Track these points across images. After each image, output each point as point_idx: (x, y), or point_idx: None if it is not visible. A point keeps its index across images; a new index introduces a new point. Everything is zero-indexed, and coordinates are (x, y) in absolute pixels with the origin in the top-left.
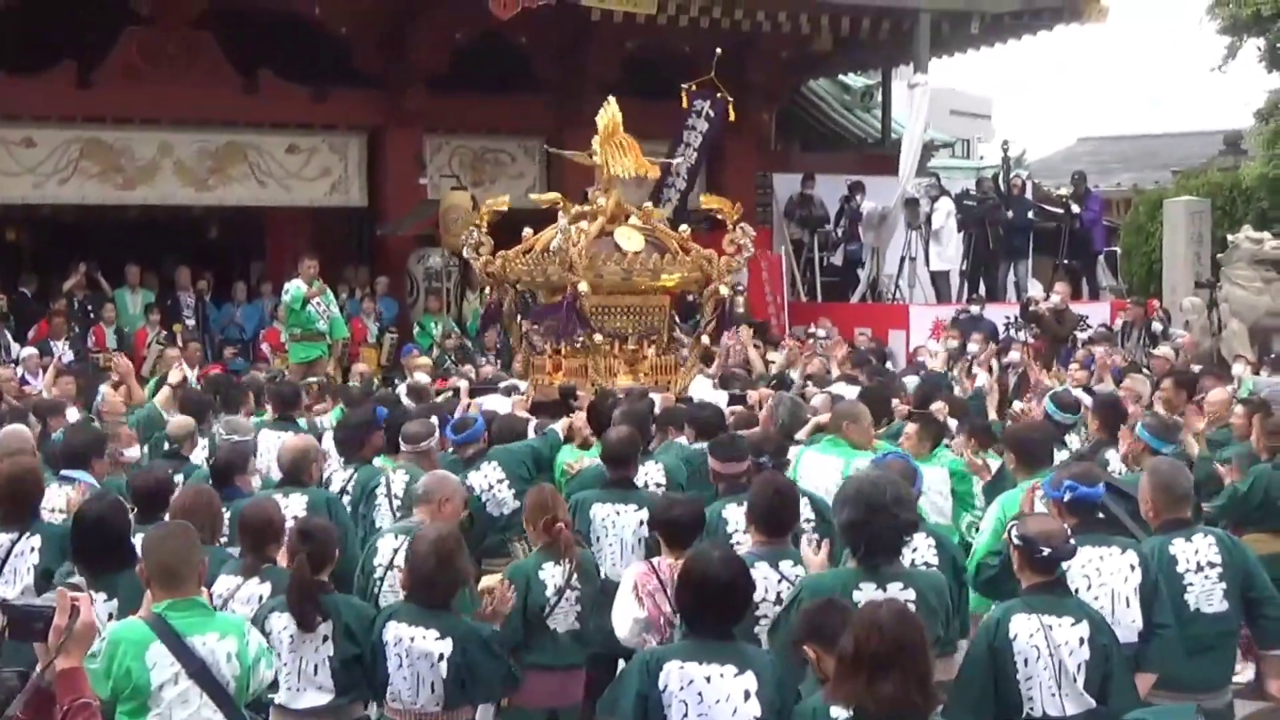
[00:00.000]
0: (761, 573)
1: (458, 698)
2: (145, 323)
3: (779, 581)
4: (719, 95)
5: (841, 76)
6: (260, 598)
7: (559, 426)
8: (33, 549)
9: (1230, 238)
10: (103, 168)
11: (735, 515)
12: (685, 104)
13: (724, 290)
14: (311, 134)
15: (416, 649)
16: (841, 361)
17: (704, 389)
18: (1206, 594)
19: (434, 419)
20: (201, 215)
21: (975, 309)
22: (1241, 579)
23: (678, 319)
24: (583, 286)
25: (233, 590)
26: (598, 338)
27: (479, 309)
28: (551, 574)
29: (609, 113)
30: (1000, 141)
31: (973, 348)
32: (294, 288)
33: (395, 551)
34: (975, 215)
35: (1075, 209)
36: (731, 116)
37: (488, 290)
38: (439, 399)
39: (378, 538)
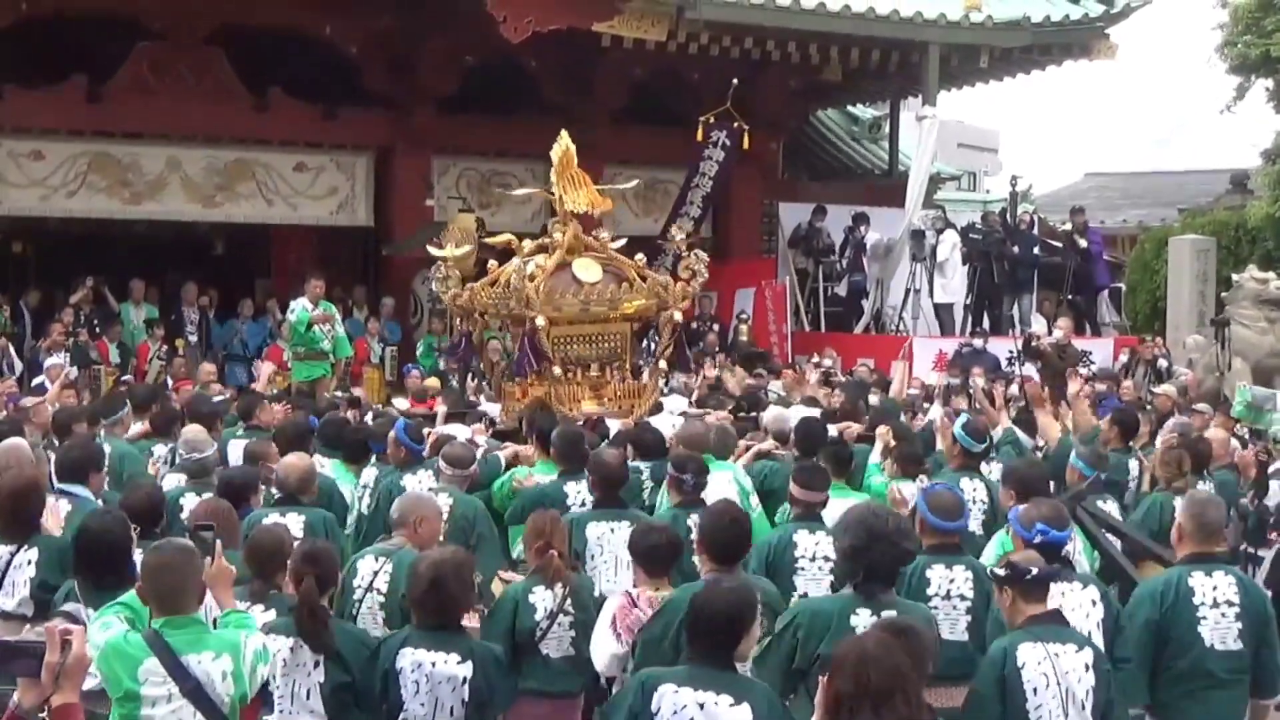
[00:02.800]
0: None
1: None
2: (148, 337)
3: None
4: (735, 124)
5: (850, 107)
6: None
7: (504, 454)
8: (30, 561)
9: (1235, 277)
10: (111, 182)
11: (805, 541)
12: (701, 136)
13: (678, 316)
14: (320, 152)
15: (439, 673)
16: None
17: (679, 406)
18: (1222, 632)
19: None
20: (208, 231)
21: (978, 342)
22: (1258, 622)
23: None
24: (540, 321)
25: None
26: (556, 370)
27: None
28: (541, 597)
29: (562, 145)
30: (1008, 175)
31: (977, 381)
32: (299, 308)
33: (375, 574)
34: (980, 248)
35: (1081, 243)
36: (746, 144)
37: (458, 321)
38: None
39: (357, 558)
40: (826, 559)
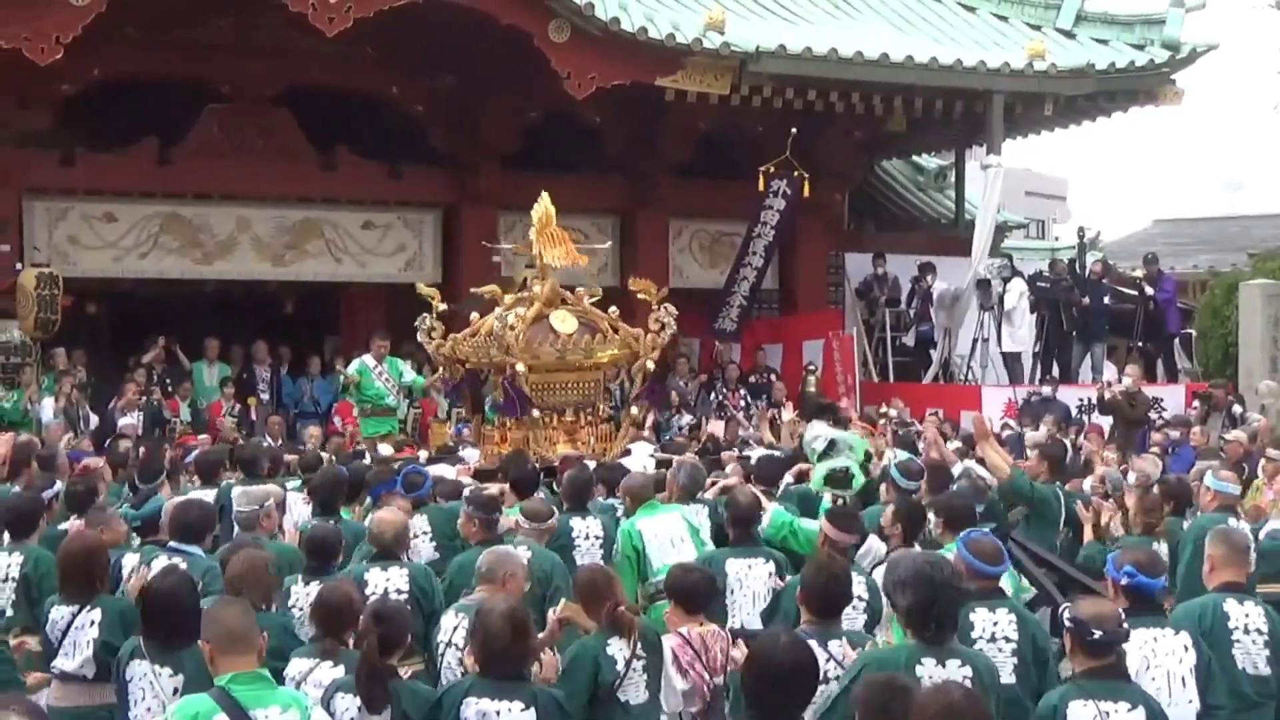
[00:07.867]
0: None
1: None
2: (220, 396)
3: (827, 661)
4: (795, 173)
5: (915, 157)
6: None
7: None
8: (92, 622)
9: None
10: (182, 243)
11: None
12: (763, 186)
13: (650, 365)
14: (387, 210)
15: None
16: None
17: (646, 451)
18: (1253, 658)
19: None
20: (278, 290)
21: (1047, 390)
22: None
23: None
24: (520, 367)
25: (305, 673)
26: (535, 413)
27: None
28: (618, 648)
29: (543, 205)
30: (1077, 223)
31: (1045, 429)
32: (358, 362)
33: (455, 629)
34: (1048, 296)
35: (1149, 291)
36: (806, 192)
37: (442, 369)
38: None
39: (440, 613)
40: (860, 599)
